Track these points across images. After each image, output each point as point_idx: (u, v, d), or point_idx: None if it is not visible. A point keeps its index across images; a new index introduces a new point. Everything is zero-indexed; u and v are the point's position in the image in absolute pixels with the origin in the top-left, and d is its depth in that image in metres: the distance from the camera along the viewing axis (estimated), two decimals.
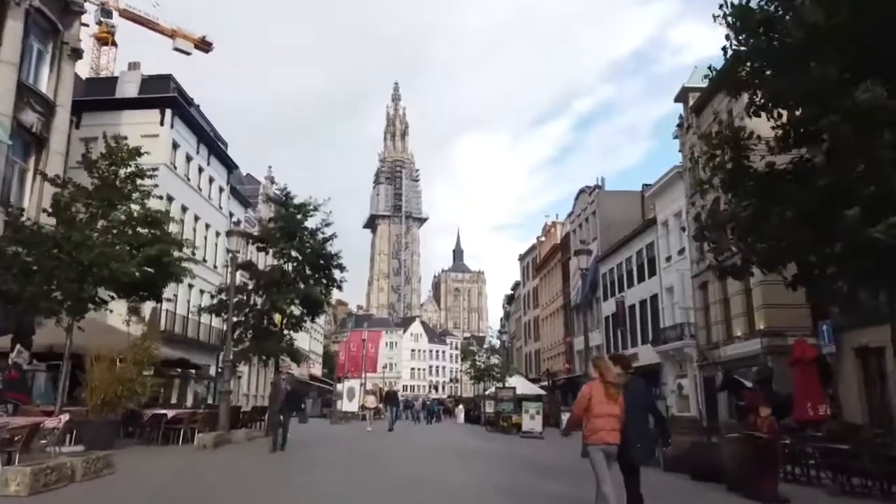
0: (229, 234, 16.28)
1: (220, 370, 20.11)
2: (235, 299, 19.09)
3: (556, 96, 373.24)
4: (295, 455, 13.18)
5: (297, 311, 19.40)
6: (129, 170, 13.34)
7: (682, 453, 11.85)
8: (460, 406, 50.08)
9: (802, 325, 20.59)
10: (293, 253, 19.59)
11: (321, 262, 19.76)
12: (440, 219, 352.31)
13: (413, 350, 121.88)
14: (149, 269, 12.65)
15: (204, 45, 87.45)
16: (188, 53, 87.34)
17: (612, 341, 40.41)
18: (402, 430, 25.44)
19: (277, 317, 19.26)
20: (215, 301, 19.60)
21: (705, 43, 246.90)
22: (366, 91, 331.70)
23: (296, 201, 20.20)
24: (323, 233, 19.93)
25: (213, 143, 35.89)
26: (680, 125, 30.93)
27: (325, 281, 20.05)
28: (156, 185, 14.43)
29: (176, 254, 13.42)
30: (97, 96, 31.41)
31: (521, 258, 70.30)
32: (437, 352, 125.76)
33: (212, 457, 12.20)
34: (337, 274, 20.14)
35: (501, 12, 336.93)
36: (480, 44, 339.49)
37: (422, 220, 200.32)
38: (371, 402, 25.57)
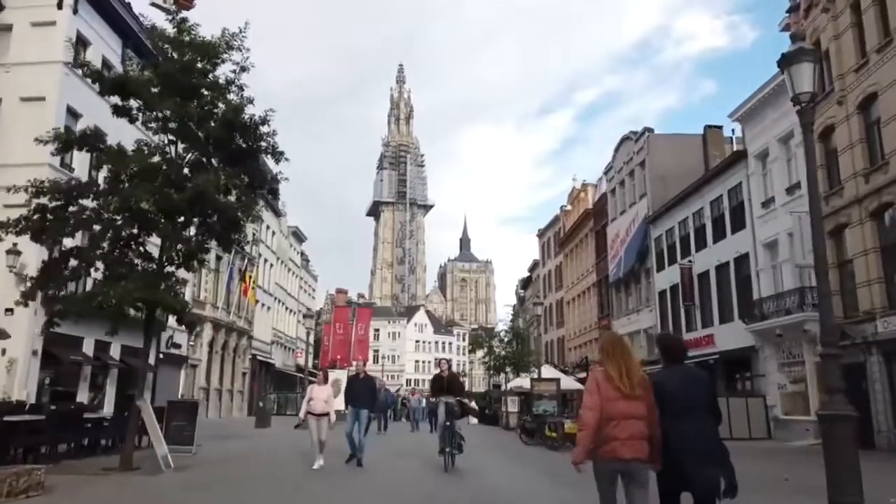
0: None
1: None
2: (74, 208, 10.17)
3: (561, 86, 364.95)
4: None
5: (190, 231, 10.29)
6: None
7: None
8: (471, 402, 41.11)
9: None
10: (191, 126, 10.48)
11: (238, 141, 10.56)
12: (445, 210, 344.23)
13: (417, 341, 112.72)
14: None
15: (185, 1, 79.04)
16: (168, 10, 78.58)
17: (672, 323, 31.31)
18: (382, 454, 13.59)
19: (156, 245, 10.26)
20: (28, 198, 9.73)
21: (708, 33, 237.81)
22: (365, 79, 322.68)
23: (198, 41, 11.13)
24: (240, 86, 10.81)
25: (150, 55, 26.74)
26: (794, 8, 21.80)
27: (243, 176, 10.73)
28: None
29: None
30: None
31: (541, 234, 61.03)
32: (444, 343, 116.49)
33: None
34: (269, 164, 10.90)
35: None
36: (482, 31, 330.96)
37: (427, 208, 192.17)
38: (321, 401, 10.69)
